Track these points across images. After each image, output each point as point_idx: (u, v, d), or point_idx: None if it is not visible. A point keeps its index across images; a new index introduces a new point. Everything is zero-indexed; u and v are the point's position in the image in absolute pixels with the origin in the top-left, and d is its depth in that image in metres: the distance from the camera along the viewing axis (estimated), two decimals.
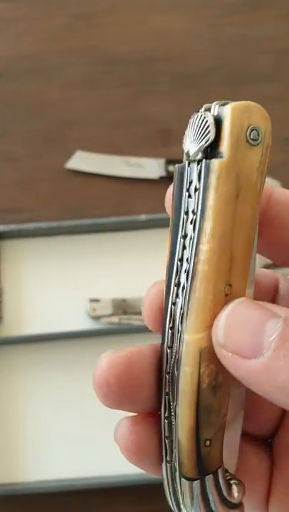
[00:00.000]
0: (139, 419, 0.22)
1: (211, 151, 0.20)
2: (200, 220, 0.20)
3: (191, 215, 0.20)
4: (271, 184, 0.22)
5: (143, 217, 0.63)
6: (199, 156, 0.20)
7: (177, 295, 0.21)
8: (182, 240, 0.21)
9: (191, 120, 0.21)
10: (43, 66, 0.75)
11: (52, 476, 0.58)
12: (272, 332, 0.17)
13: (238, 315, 0.19)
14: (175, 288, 0.21)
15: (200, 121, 0.20)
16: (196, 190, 0.20)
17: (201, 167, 0.20)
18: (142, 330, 0.61)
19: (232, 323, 0.19)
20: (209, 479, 0.21)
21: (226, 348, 0.19)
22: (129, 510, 0.59)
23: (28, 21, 0.77)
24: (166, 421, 0.21)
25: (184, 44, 0.76)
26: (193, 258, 0.20)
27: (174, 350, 0.21)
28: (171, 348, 0.21)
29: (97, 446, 0.59)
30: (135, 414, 0.22)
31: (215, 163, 0.20)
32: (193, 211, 0.20)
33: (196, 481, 0.21)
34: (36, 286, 0.64)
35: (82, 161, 0.70)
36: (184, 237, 0.21)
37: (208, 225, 0.20)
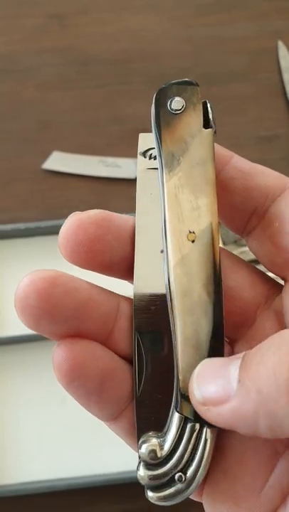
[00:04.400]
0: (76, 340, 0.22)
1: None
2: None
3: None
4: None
5: None
6: None
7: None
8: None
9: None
10: (17, 66, 0.75)
11: (34, 477, 0.59)
12: (235, 368, 0.19)
13: (205, 371, 0.21)
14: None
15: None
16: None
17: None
18: None
19: (202, 380, 0.20)
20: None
21: (205, 402, 0.20)
22: (113, 509, 0.59)
23: (1, 21, 0.77)
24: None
25: (159, 44, 0.77)
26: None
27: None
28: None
29: (79, 446, 0.59)
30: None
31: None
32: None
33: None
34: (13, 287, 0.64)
35: (58, 161, 0.70)
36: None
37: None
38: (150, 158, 0.24)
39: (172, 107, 0.23)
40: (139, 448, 0.22)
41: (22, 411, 0.61)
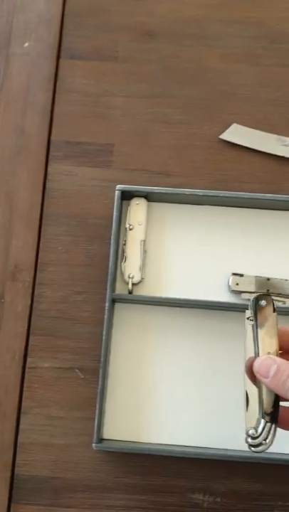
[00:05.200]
0: None
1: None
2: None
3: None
4: None
5: None
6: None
7: None
8: None
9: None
10: (206, 33, 0.74)
11: (174, 441, 0.60)
12: (272, 369, 0.45)
13: (260, 363, 0.46)
14: None
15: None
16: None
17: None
18: (283, 312, 0.61)
19: (259, 366, 0.46)
20: None
21: (259, 375, 0.46)
22: (245, 487, 0.59)
23: None
24: None
25: None
26: None
27: None
28: None
29: (222, 418, 0.60)
30: None
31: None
32: None
33: None
34: (179, 251, 0.65)
35: (236, 134, 0.70)
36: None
37: None
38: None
39: (260, 303, 0.49)
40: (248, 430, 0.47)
41: (172, 373, 0.61)
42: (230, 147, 0.70)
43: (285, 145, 0.69)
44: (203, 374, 0.61)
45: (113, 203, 0.63)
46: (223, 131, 0.70)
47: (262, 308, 0.49)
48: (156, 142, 0.70)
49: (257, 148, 0.69)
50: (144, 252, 0.64)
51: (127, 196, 0.65)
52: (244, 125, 0.70)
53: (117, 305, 0.63)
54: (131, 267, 0.63)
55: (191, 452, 0.57)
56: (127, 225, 0.64)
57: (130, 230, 0.64)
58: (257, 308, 0.49)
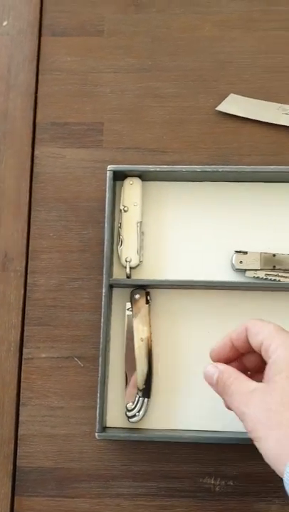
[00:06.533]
0: None
1: None
2: None
3: None
4: None
5: None
6: None
7: None
8: None
9: None
10: (196, 0, 0.83)
11: (179, 425, 0.67)
12: (214, 377, 0.57)
13: (205, 372, 0.59)
14: None
15: None
16: None
17: None
18: None
19: (204, 375, 0.59)
20: None
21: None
22: (258, 469, 0.67)
23: None
24: None
25: None
26: None
27: None
28: None
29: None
30: None
31: None
32: None
33: None
34: (179, 231, 0.72)
35: (234, 104, 0.78)
36: None
37: None
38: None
39: (135, 297, 0.70)
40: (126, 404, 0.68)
41: (176, 356, 0.69)
42: (228, 119, 0.78)
43: (287, 113, 0.77)
44: (207, 357, 0.69)
45: (105, 185, 0.70)
46: (220, 103, 0.78)
47: (136, 300, 0.68)
48: (148, 118, 0.78)
49: (257, 119, 0.77)
50: (142, 233, 0.72)
51: (119, 176, 0.72)
52: (242, 95, 0.79)
53: (116, 290, 0.71)
54: (128, 251, 0.71)
55: (197, 437, 0.65)
56: (122, 207, 0.72)
57: (125, 211, 0.72)
58: (132, 301, 0.68)
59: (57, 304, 0.71)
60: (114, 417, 0.68)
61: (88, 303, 0.71)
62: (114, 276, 0.70)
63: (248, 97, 0.78)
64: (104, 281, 0.67)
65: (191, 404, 0.68)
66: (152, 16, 0.82)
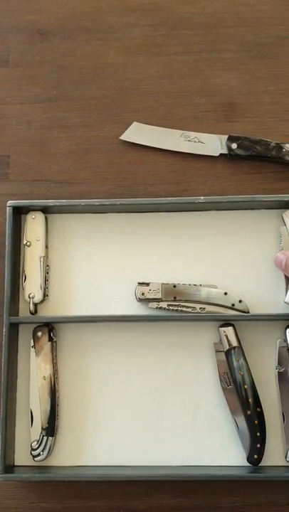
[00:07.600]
0: None
1: None
2: None
3: None
4: None
5: (201, 198, 0.71)
6: None
7: None
8: None
9: None
10: (100, 26, 0.82)
11: (92, 461, 0.69)
12: (283, 263, 0.69)
13: (274, 260, 0.71)
14: None
15: None
16: None
17: None
18: (192, 318, 0.70)
19: (275, 262, 0.71)
20: None
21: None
22: (169, 502, 0.69)
23: None
24: None
25: (256, 8, 0.83)
26: None
27: None
28: None
29: (140, 433, 0.69)
30: None
31: None
32: None
33: None
34: (84, 264, 0.73)
35: (137, 132, 0.78)
36: None
37: None
38: None
39: (37, 334, 0.70)
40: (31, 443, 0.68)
41: (83, 391, 0.71)
42: (133, 147, 0.78)
43: (190, 140, 0.78)
44: (115, 391, 0.71)
45: (6, 221, 0.71)
46: (124, 132, 0.79)
47: (38, 338, 0.69)
48: (55, 149, 0.78)
49: (160, 147, 0.78)
50: (47, 267, 0.73)
51: (23, 211, 0.73)
52: (147, 122, 0.79)
53: (23, 326, 0.71)
54: (31, 286, 0.71)
55: (102, 475, 0.66)
56: (25, 241, 0.73)
57: (28, 246, 0.72)
58: (34, 339, 0.69)
59: None
60: (23, 455, 0.69)
61: None
62: (20, 313, 0.71)
63: (152, 124, 0.79)
64: (4, 321, 0.68)
65: (98, 440, 0.70)
66: (57, 44, 0.82)
